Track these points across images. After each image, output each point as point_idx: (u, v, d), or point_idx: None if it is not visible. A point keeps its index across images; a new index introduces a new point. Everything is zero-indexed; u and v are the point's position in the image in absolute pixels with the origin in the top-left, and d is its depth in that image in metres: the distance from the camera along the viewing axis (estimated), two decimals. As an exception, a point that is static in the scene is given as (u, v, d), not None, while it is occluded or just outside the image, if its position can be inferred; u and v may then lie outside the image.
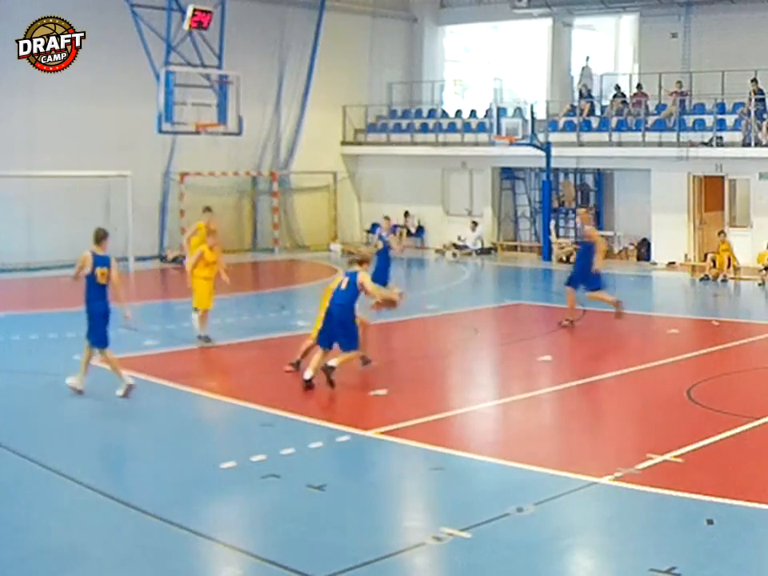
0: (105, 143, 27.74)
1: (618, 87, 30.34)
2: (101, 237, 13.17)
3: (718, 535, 8.10)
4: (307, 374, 13.37)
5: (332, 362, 13.38)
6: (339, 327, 13.55)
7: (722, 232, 25.85)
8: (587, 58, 32.21)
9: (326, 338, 13.62)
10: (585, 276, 18.22)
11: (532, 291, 25.30)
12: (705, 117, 27.46)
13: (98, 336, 13.12)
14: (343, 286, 13.73)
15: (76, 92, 26.93)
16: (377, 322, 19.03)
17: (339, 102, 33.97)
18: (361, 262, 14.05)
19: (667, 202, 27.86)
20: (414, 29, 36.19)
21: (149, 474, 9.93)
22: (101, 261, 13.04)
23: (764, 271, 24.69)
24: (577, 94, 31.72)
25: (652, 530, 8.18)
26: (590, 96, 31.16)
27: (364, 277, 13.75)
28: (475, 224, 31.68)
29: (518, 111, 30.32)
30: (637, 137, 28.32)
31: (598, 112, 30.75)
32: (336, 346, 13.63)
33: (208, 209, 17.37)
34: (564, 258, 29.13)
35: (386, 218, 19.65)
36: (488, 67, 36.04)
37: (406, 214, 32.71)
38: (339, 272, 14.52)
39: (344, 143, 34.62)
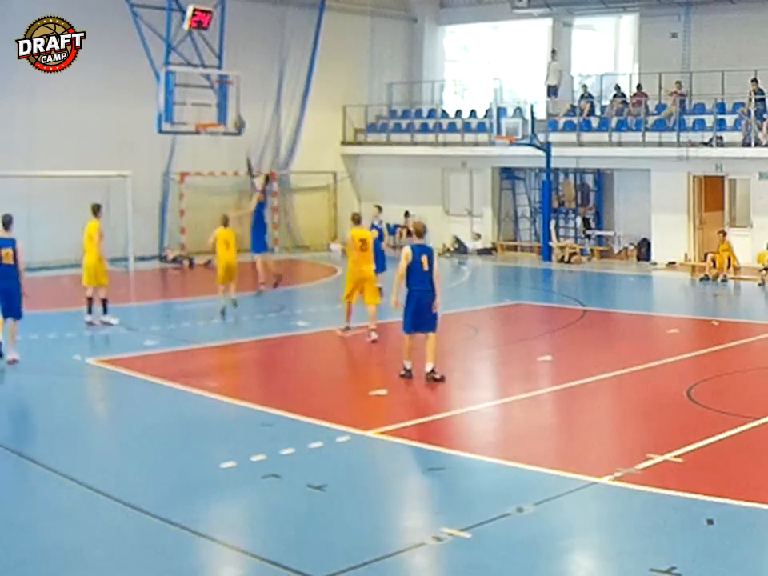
0: (105, 143, 27.75)
1: (617, 87, 30.34)
2: (7, 222, 14.77)
3: (717, 535, 8.10)
4: (428, 367, 13.60)
5: (429, 367, 13.57)
6: (428, 312, 13.58)
7: (722, 232, 25.85)
8: (553, 52, 32.03)
9: (413, 325, 13.70)
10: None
11: (532, 291, 25.30)
12: (705, 117, 27.45)
13: (10, 309, 14.64)
14: (425, 266, 13.58)
15: (76, 92, 26.93)
16: (376, 322, 19.05)
17: (339, 101, 33.97)
18: (423, 233, 14.04)
19: (667, 202, 27.86)
20: (414, 29, 36.19)
21: (149, 474, 9.93)
22: (5, 243, 14.64)
23: (764, 271, 24.69)
24: (545, 91, 31.70)
25: (652, 530, 8.17)
26: (555, 94, 31.14)
27: (437, 258, 13.74)
28: (478, 236, 31.93)
29: (518, 111, 30.32)
30: (637, 137, 28.33)
31: (598, 112, 30.76)
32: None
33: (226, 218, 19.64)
34: (565, 259, 29.15)
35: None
36: (488, 67, 36.04)
37: (407, 213, 32.72)
38: (405, 247, 14.04)
39: (344, 143, 34.63)
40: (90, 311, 17.98)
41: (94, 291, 17.98)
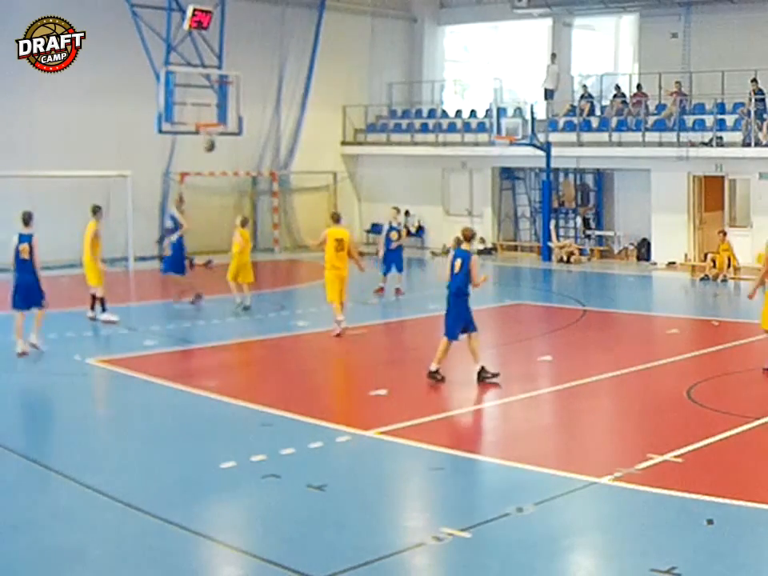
0: (105, 143, 27.74)
1: (618, 87, 30.34)
2: (27, 218, 15.27)
3: (717, 535, 8.10)
4: (432, 366, 13.54)
5: (433, 367, 13.50)
6: (448, 316, 13.57)
7: (722, 232, 25.85)
8: (552, 56, 31.83)
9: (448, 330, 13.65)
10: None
11: (532, 291, 25.29)
12: (705, 117, 27.46)
13: (15, 300, 15.13)
14: (456, 269, 13.52)
15: (76, 92, 26.94)
16: (377, 322, 19.08)
17: (339, 102, 33.98)
18: (470, 238, 13.88)
19: (667, 202, 27.86)
20: (414, 29, 36.20)
21: (149, 474, 9.93)
22: (23, 238, 15.08)
23: (764, 271, 24.64)
24: (542, 94, 31.65)
25: (652, 530, 8.17)
26: (552, 97, 31.00)
27: (475, 262, 13.52)
28: (482, 240, 32.04)
29: (518, 111, 30.32)
30: (637, 137, 28.33)
31: (598, 112, 30.76)
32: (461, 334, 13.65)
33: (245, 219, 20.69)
34: (564, 259, 29.15)
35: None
36: (488, 67, 36.04)
37: (407, 213, 32.77)
38: (451, 251, 14.11)
39: (344, 143, 34.63)
40: (92, 308, 18.25)
41: (93, 290, 18.17)
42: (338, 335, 16.95)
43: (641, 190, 28.68)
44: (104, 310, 18.13)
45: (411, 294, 22.13)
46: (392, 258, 21.83)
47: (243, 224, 20.11)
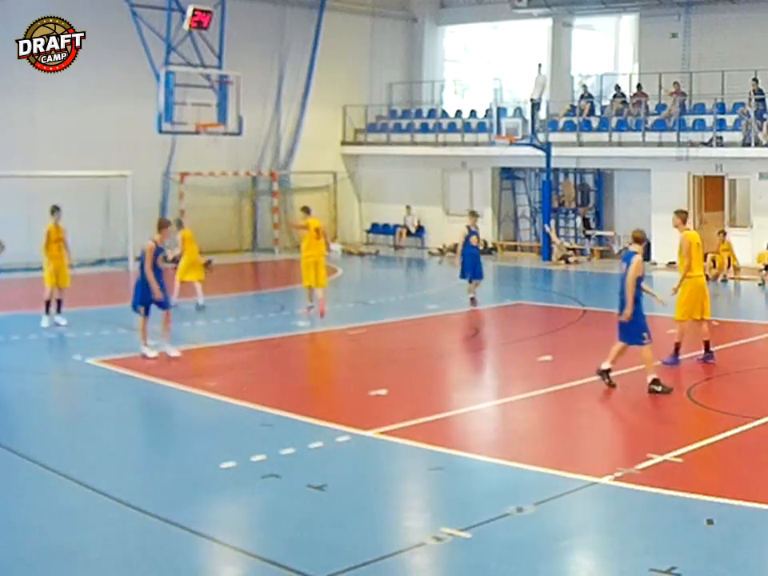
0: (105, 143, 27.75)
1: (617, 87, 30.33)
2: (158, 225, 15.74)
3: (717, 535, 8.10)
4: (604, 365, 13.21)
5: (649, 378, 12.98)
6: (623, 322, 13.16)
7: (722, 232, 25.84)
8: (539, 66, 30.95)
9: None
10: None
11: (532, 291, 25.28)
12: (705, 117, 27.46)
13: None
14: (622, 271, 13.19)
15: (76, 92, 26.95)
16: (378, 322, 19.08)
17: (339, 102, 34.01)
18: (637, 240, 13.59)
19: (667, 202, 27.73)
20: (414, 29, 36.22)
21: (149, 474, 9.93)
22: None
23: (764, 271, 24.66)
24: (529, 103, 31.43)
25: (652, 530, 8.17)
26: (538, 107, 30.61)
27: (634, 262, 12.98)
28: (484, 242, 31.98)
29: (518, 111, 30.29)
30: (637, 137, 28.33)
31: (597, 112, 30.75)
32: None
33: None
34: (563, 259, 29.12)
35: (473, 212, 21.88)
36: (488, 67, 36.04)
37: (408, 207, 32.88)
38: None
39: (344, 143, 34.65)
40: (57, 311, 18.22)
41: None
42: (307, 310, 18.80)
43: (641, 190, 28.68)
44: (56, 311, 18.13)
45: (411, 293, 22.12)
46: (474, 263, 20.89)
47: (179, 226, 20.48)
